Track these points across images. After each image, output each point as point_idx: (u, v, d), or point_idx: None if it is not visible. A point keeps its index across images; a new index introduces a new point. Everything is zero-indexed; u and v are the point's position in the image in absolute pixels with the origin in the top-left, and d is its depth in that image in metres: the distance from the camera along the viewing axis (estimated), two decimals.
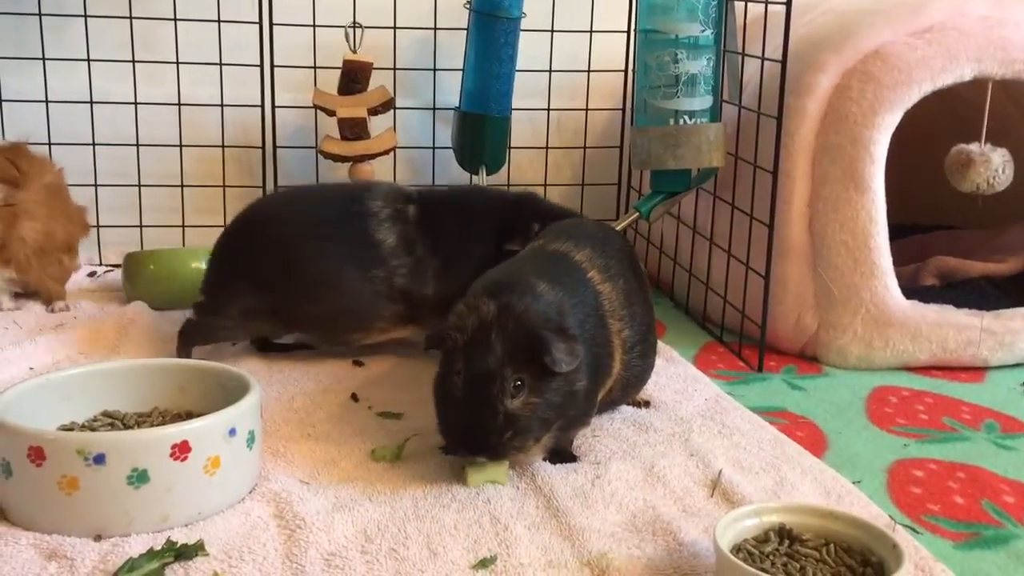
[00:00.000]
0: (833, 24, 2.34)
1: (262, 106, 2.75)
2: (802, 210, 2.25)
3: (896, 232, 2.26)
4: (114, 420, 1.58)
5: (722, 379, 2.15)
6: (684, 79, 2.28)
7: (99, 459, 1.35)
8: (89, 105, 2.73)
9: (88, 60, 2.70)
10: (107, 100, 2.73)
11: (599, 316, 1.64)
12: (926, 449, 1.82)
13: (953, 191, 2.38)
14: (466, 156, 2.78)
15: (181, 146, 2.80)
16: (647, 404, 1.92)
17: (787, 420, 1.93)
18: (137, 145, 2.76)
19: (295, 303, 2.02)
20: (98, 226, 2.70)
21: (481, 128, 2.74)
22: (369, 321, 2.07)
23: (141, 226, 2.81)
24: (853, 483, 1.62)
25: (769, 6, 2.23)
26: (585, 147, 3.03)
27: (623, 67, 2.94)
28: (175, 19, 2.69)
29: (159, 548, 1.33)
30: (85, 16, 2.68)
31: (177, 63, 2.72)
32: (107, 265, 2.76)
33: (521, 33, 2.71)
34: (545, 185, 2.97)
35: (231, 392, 1.54)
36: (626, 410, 1.89)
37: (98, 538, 1.37)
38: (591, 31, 2.93)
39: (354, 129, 2.71)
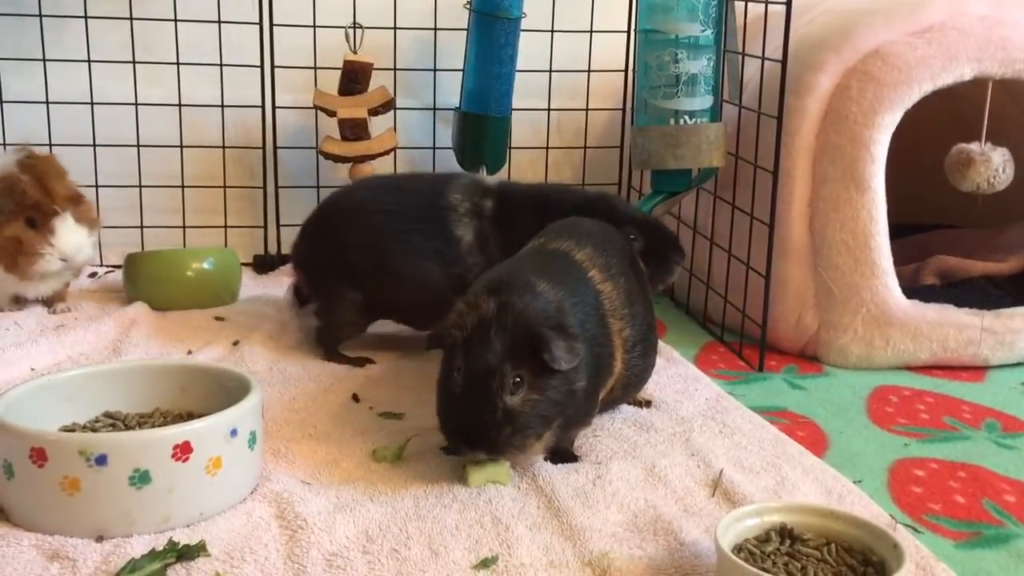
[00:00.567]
0: (833, 24, 2.34)
1: (262, 107, 2.76)
2: (802, 210, 2.25)
3: (896, 232, 2.27)
4: (116, 421, 1.58)
5: (723, 379, 2.15)
6: (684, 79, 2.29)
7: (101, 460, 1.35)
8: (90, 106, 2.73)
9: (88, 61, 2.70)
10: (108, 101, 2.73)
11: (600, 315, 1.64)
12: (927, 448, 1.82)
13: (953, 190, 2.38)
14: (466, 156, 2.78)
15: (182, 147, 2.80)
16: (648, 404, 1.92)
17: (788, 420, 1.93)
18: (138, 146, 2.76)
19: (384, 296, 2.11)
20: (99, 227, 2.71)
21: (481, 128, 2.74)
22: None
23: (142, 227, 2.81)
24: (854, 483, 1.62)
25: (769, 6, 2.23)
26: (585, 147, 3.03)
27: (623, 67, 2.94)
28: (175, 20, 2.69)
29: (161, 549, 1.33)
30: (85, 17, 2.68)
31: (177, 64, 2.73)
32: (108, 266, 2.75)
33: (521, 33, 2.71)
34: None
35: (232, 393, 1.54)
36: (627, 410, 1.89)
37: (100, 539, 1.37)
38: (591, 31, 2.93)
39: (354, 130, 2.71)
